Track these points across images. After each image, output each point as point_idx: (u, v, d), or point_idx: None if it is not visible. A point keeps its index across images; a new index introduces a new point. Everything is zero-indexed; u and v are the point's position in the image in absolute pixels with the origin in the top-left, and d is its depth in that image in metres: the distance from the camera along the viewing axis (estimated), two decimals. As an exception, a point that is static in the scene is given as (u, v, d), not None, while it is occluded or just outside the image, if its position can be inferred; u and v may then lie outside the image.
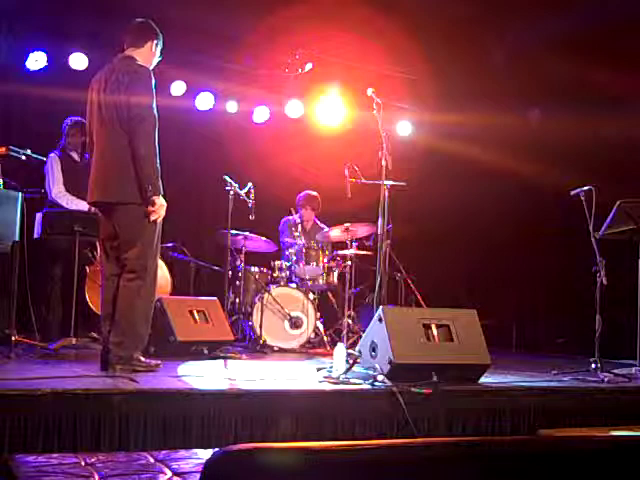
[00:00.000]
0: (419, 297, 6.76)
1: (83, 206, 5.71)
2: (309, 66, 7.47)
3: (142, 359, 4.07)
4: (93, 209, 5.58)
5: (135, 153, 3.97)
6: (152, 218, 4.05)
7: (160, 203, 4.03)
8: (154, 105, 4.06)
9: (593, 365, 4.63)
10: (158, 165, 4.04)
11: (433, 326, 4.10)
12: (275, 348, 6.09)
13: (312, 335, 6.31)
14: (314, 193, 7.16)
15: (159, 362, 4.19)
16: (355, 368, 3.96)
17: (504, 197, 7.56)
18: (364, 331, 4.45)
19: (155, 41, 4.28)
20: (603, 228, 4.80)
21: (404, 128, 8.49)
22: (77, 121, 5.84)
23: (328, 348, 6.02)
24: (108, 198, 4.10)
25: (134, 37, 4.26)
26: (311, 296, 6.38)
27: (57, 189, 5.77)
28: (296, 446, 1.25)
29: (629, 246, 5.00)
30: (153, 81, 4.12)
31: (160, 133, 4.08)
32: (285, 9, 6.18)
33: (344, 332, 5.77)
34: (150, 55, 4.28)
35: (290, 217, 7.16)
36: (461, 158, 7.60)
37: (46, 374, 3.63)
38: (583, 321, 5.14)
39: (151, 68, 4.26)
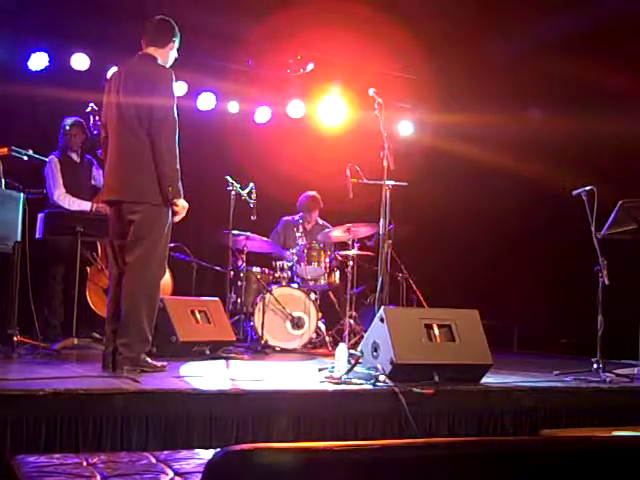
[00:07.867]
0: (421, 297, 6.76)
1: (85, 206, 5.73)
2: (310, 66, 7.47)
3: (149, 360, 4.07)
4: (95, 209, 5.62)
5: (156, 154, 3.96)
6: (176, 219, 4.11)
7: (182, 205, 4.08)
8: (175, 107, 4.04)
9: (595, 365, 4.61)
10: (178, 167, 4.03)
11: (435, 326, 4.09)
12: (277, 348, 6.09)
13: (314, 335, 6.31)
14: (314, 193, 7.14)
15: (165, 364, 4.18)
16: (357, 368, 3.95)
17: (506, 197, 7.55)
18: (366, 331, 4.44)
19: (176, 41, 4.25)
20: (605, 228, 4.79)
21: (406, 128, 8.49)
22: (78, 121, 5.85)
23: (330, 348, 6.02)
24: (123, 196, 4.07)
25: (155, 36, 4.21)
26: (313, 296, 6.38)
27: (58, 192, 5.77)
28: (297, 446, 1.25)
29: (631, 246, 5.00)
30: (174, 83, 4.09)
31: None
32: (287, 9, 6.18)
33: (346, 332, 5.77)
34: (169, 54, 4.24)
35: (289, 217, 7.15)
36: (462, 158, 7.60)
37: (48, 374, 3.64)
38: (585, 321, 5.13)
39: (168, 66, 4.24)
